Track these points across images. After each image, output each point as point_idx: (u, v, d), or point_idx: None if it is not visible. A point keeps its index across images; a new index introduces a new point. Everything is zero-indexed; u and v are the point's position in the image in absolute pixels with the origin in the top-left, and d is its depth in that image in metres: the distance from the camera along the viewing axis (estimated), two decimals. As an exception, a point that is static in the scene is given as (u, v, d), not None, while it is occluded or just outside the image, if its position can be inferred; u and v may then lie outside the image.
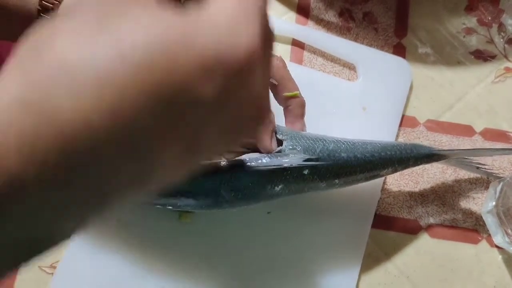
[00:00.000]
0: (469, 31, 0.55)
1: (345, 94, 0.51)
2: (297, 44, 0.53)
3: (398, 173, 0.47)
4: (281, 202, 0.42)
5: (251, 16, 0.20)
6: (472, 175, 0.50)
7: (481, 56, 0.54)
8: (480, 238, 0.48)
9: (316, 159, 0.39)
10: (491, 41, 0.54)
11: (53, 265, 0.45)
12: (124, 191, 0.20)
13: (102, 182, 0.19)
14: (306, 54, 0.53)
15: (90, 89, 0.17)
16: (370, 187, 0.46)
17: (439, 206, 0.49)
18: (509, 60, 0.54)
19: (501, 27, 0.55)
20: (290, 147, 0.39)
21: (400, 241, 0.47)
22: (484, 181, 0.50)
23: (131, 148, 0.18)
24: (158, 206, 0.41)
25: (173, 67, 0.18)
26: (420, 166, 0.46)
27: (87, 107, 0.17)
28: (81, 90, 0.17)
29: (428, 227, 0.48)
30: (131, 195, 0.20)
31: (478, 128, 0.51)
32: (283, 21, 0.54)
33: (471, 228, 0.48)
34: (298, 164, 0.38)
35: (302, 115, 0.43)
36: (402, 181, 0.49)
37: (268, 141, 0.39)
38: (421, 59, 0.53)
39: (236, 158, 0.39)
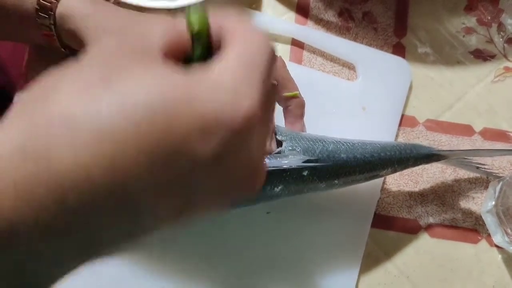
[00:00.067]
0: (469, 30, 0.55)
1: (345, 94, 0.51)
2: (296, 44, 0.53)
3: (397, 173, 0.47)
4: (281, 202, 0.42)
5: (254, 80, 0.20)
6: (472, 174, 0.50)
7: (481, 56, 0.54)
8: (479, 238, 0.48)
9: (316, 160, 0.39)
10: (490, 41, 0.54)
11: (53, 265, 0.45)
12: (116, 241, 0.20)
13: (96, 232, 0.19)
14: (305, 53, 0.53)
15: (91, 144, 0.18)
16: (369, 187, 0.46)
17: (439, 205, 0.49)
18: (508, 60, 0.54)
19: (501, 26, 0.55)
20: (290, 148, 0.39)
21: (399, 241, 0.48)
22: (483, 181, 0.50)
23: (128, 202, 0.19)
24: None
25: (173, 127, 0.18)
26: (420, 166, 0.46)
27: (88, 160, 0.18)
28: (82, 144, 0.18)
29: (428, 227, 0.48)
30: (123, 244, 0.21)
31: (478, 127, 0.51)
32: (283, 20, 0.54)
33: (471, 227, 0.48)
34: (298, 165, 0.38)
35: (301, 115, 0.43)
36: (401, 180, 0.49)
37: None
38: (421, 59, 0.53)
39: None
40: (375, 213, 0.47)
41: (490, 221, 0.47)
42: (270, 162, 0.38)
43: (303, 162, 0.39)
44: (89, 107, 0.18)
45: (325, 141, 0.41)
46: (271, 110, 0.24)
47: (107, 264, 0.44)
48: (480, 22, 0.55)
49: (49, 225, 0.18)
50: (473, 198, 0.49)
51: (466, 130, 0.51)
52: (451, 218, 0.48)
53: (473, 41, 0.54)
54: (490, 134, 0.51)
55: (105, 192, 0.18)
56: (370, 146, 0.42)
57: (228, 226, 0.46)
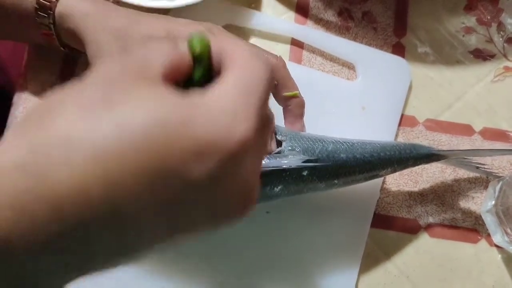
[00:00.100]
0: (469, 30, 0.55)
1: (344, 94, 0.51)
2: (296, 43, 0.53)
3: (397, 173, 0.47)
4: (280, 202, 0.42)
5: (250, 106, 0.21)
6: (472, 174, 0.50)
7: (481, 55, 0.54)
8: (479, 238, 0.48)
9: (315, 160, 0.39)
10: (490, 40, 0.54)
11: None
12: (112, 258, 0.21)
13: (91, 248, 0.20)
14: (305, 53, 0.53)
15: (87, 163, 0.19)
16: (369, 186, 0.46)
17: (439, 205, 0.49)
18: (508, 59, 0.54)
19: (501, 26, 0.55)
20: (289, 147, 0.39)
21: (399, 241, 0.48)
22: (483, 181, 0.50)
23: (122, 220, 0.19)
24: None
25: (169, 149, 0.19)
26: (420, 166, 0.46)
27: (84, 179, 0.18)
28: (79, 163, 0.18)
29: (428, 227, 0.48)
30: (115, 260, 0.21)
31: (478, 127, 0.51)
32: (282, 20, 0.54)
33: (471, 227, 0.48)
34: (297, 165, 0.38)
35: (301, 115, 0.43)
36: (401, 180, 0.49)
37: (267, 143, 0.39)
38: (421, 59, 0.53)
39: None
40: (374, 213, 0.47)
41: (489, 221, 0.47)
42: (270, 162, 0.38)
43: (303, 162, 0.39)
44: (88, 127, 0.19)
45: (324, 141, 0.41)
46: (267, 134, 0.25)
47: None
48: (480, 21, 0.55)
49: (45, 240, 0.18)
50: (473, 198, 0.49)
51: (465, 129, 0.51)
52: (450, 218, 0.48)
53: (473, 40, 0.54)
54: (489, 133, 0.51)
55: (100, 210, 0.19)
56: (369, 146, 0.42)
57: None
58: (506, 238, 0.45)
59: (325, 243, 0.46)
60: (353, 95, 0.50)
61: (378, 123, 0.50)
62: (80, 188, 0.18)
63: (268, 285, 0.45)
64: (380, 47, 0.53)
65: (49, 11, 0.40)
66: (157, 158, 0.19)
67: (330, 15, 0.54)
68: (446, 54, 0.54)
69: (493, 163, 0.50)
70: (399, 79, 0.52)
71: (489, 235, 0.48)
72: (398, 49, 0.53)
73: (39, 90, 0.48)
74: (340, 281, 0.45)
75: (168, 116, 0.19)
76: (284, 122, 0.43)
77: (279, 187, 0.39)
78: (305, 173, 0.39)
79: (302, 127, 0.43)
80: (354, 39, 0.53)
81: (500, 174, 0.49)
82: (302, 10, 0.54)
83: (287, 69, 0.42)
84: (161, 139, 0.19)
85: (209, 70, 0.24)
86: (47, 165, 0.18)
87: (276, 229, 0.46)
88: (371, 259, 0.47)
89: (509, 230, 0.45)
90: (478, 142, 0.51)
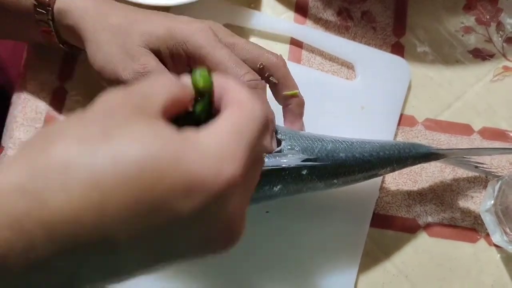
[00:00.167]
0: (468, 30, 0.55)
1: (344, 93, 0.51)
2: (295, 43, 0.53)
3: (396, 172, 0.47)
4: (280, 201, 0.42)
5: (240, 148, 0.22)
6: (471, 174, 0.50)
7: (480, 55, 0.54)
8: (478, 237, 0.48)
9: (315, 159, 0.39)
10: (489, 40, 0.54)
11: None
12: (98, 279, 0.22)
13: (79, 269, 0.21)
14: (304, 53, 0.53)
15: (82, 190, 0.20)
16: (368, 186, 0.46)
17: (438, 205, 0.49)
18: (507, 59, 0.54)
19: (500, 26, 0.55)
20: (289, 147, 0.39)
21: (398, 240, 0.48)
22: (482, 180, 0.50)
23: (111, 245, 0.21)
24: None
25: (158, 184, 0.20)
26: (419, 165, 0.46)
27: (78, 204, 0.20)
28: (74, 189, 0.20)
29: (427, 226, 0.48)
30: (102, 281, 0.22)
31: (477, 127, 0.52)
32: (282, 20, 0.54)
33: (470, 227, 0.48)
34: (297, 164, 0.38)
35: (301, 114, 0.43)
36: (400, 180, 0.49)
37: (269, 142, 0.39)
38: (420, 58, 0.53)
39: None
40: (374, 213, 0.47)
41: (489, 220, 0.47)
42: (269, 161, 0.38)
43: (302, 161, 0.39)
44: (85, 156, 0.20)
45: (324, 140, 0.41)
46: (256, 176, 0.26)
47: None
48: (479, 21, 0.55)
49: (40, 259, 0.20)
50: (472, 197, 0.49)
51: (465, 129, 0.51)
52: (450, 217, 0.48)
53: (472, 40, 0.54)
54: (489, 133, 0.51)
55: (93, 235, 0.20)
56: (369, 145, 0.42)
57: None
58: (505, 238, 0.45)
59: (325, 243, 0.46)
60: (352, 95, 0.51)
61: (377, 122, 0.50)
62: (75, 214, 0.20)
63: (268, 285, 0.45)
64: (380, 46, 0.53)
65: (47, 8, 0.40)
66: (148, 190, 0.20)
67: (329, 15, 0.54)
68: (445, 54, 0.54)
69: (492, 163, 0.50)
70: (398, 79, 0.52)
71: (488, 234, 0.48)
72: (397, 49, 0.53)
73: (38, 90, 0.49)
74: (339, 280, 0.45)
75: (162, 151, 0.21)
76: (284, 121, 0.43)
77: (278, 187, 0.39)
78: (304, 172, 0.39)
79: (302, 127, 0.43)
80: (353, 38, 0.53)
81: (499, 174, 0.49)
82: (301, 10, 0.54)
83: (287, 68, 0.42)
84: (154, 173, 0.20)
85: (210, 103, 0.25)
86: (45, 189, 0.20)
87: (276, 229, 0.46)
88: (370, 258, 0.47)
89: (508, 230, 0.45)
90: (477, 142, 0.51)
